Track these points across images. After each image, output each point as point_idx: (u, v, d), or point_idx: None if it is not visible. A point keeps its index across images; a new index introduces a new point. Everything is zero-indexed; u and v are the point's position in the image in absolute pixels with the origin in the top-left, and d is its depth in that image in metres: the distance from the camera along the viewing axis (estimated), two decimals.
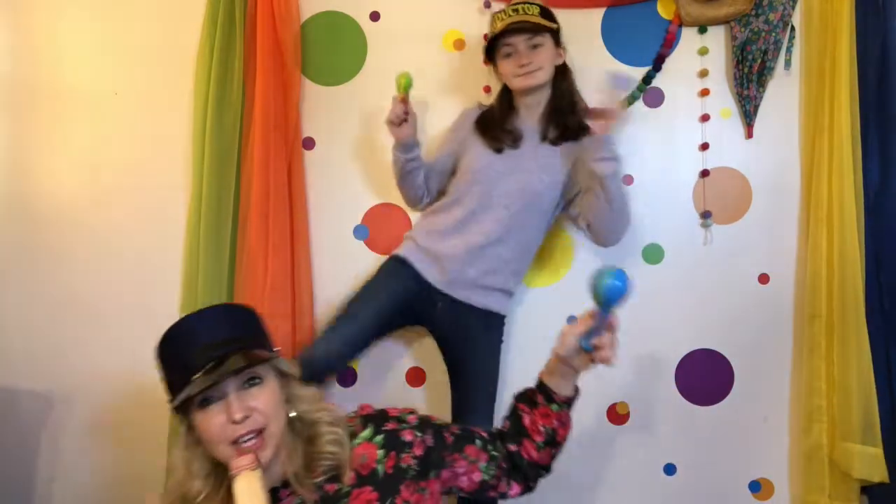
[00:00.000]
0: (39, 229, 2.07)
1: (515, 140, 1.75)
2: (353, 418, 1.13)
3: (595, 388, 1.96)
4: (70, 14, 2.06)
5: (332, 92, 1.98)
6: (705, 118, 1.92)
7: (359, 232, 1.99)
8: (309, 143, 1.99)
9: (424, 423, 1.14)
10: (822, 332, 1.80)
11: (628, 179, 1.94)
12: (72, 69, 2.06)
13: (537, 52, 1.71)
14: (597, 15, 1.93)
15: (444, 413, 1.96)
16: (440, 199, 1.84)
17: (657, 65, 1.92)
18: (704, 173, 1.92)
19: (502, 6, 1.91)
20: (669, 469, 1.95)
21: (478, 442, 1.16)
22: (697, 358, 1.94)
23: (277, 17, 1.89)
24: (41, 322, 2.07)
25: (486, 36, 1.78)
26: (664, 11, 1.92)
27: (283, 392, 1.06)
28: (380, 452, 1.08)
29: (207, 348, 1.00)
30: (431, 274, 1.74)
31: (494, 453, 1.16)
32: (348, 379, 2.01)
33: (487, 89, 1.93)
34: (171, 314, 1.95)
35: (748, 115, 1.89)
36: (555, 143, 1.75)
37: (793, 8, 1.87)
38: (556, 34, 1.76)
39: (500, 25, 1.71)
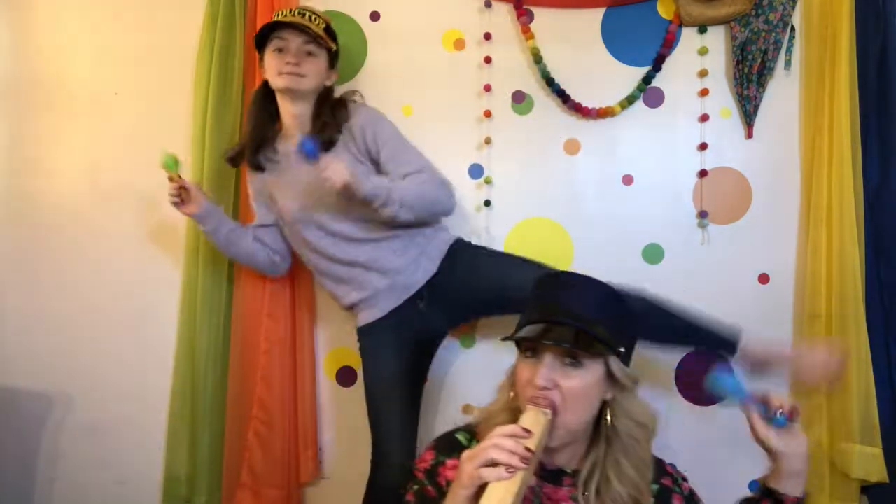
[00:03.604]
0: (40, 229, 2.07)
1: (266, 161, 1.71)
2: None
3: None
4: (70, 14, 2.06)
5: None
6: (705, 118, 1.92)
7: None
8: None
9: (693, 498, 1.12)
10: (821, 332, 1.80)
11: (628, 179, 1.94)
12: (72, 69, 2.07)
13: (310, 60, 1.66)
14: (597, 15, 1.93)
15: (445, 411, 1.96)
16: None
17: (657, 65, 1.92)
18: (702, 173, 1.92)
19: (505, 7, 1.92)
20: None
21: None
22: (697, 358, 1.94)
23: None
24: (41, 322, 2.07)
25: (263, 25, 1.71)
26: (664, 11, 1.92)
27: (606, 393, 1.04)
28: (651, 501, 1.06)
29: (558, 310, 1.02)
30: (389, 303, 1.68)
31: None
32: (348, 378, 2.01)
33: (488, 88, 1.94)
34: (171, 314, 1.99)
35: (748, 114, 1.89)
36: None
37: (793, 8, 1.87)
38: (333, 56, 1.73)
39: (279, 17, 1.66)
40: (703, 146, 1.92)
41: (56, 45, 2.07)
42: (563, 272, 1.09)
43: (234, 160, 1.80)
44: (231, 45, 1.93)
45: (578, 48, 1.93)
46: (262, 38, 1.68)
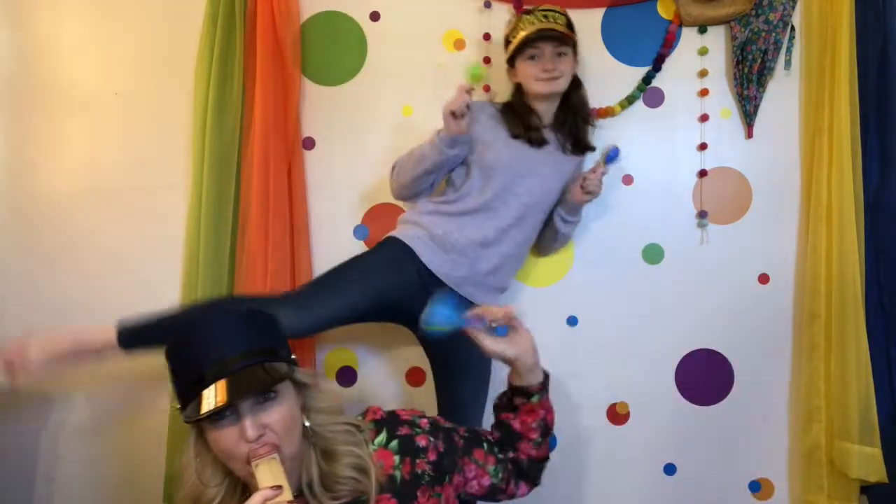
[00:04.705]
0: (39, 229, 2.07)
1: (541, 142, 1.75)
2: (363, 422, 1.09)
3: (595, 388, 1.97)
4: (70, 14, 2.06)
5: (332, 92, 1.98)
6: (705, 118, 1.92)
7: (359, 232, 1.99)
8: (309, 143, 1.99)
9: (436, 427, 1.12)
10: (821, 332, 1.81)
11: (628, 179, 1.94)
12: (72, 69, 2.06)
13: (561, 59, 1.72)
14: (597, 15, 1.93)
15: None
16: (445, 191, 1.78)
17: (657, 65, 1.92)
18: (702, 173, 1.92)
19: (505, 7, 1.92)
20: (669, 469, 1.95)
21: (485, 445, 1.14)
22: (697, 358, 1.94)
23: (277, 17, 1.89)
24: (41, 322, 2.07)
25: (507, 37, 1.76)
26: (664, 11, 1.92)
27: (300, 402, 1.01)
28: (396, 458, 1.06)
29: (222, 364, 0.93)
30: (441, 267, 1.65)
31: (501, 456, 1.15)
32: (348, 378, 2.01)
33: (487, 89, 1.93)
34: None
35: (748, 115, 1.89)
36: (567, 152, 1.79)
37: (793, 8, 1.87)
38: (576, 46, 1.76)
39: (531, 29, 1.69)
40: (702, 146, 1.92)
41: (56, 45, 2.07)
42: (189, 323, 1.03)
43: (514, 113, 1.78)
44: (231, 45, 1.92)
45: (578, 48, 1.93)
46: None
